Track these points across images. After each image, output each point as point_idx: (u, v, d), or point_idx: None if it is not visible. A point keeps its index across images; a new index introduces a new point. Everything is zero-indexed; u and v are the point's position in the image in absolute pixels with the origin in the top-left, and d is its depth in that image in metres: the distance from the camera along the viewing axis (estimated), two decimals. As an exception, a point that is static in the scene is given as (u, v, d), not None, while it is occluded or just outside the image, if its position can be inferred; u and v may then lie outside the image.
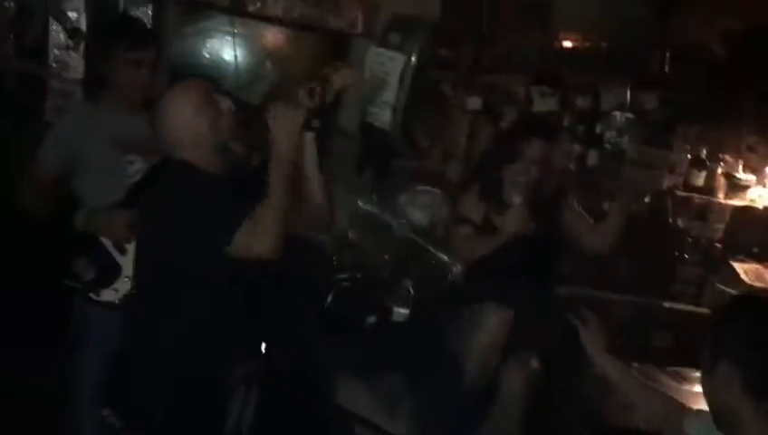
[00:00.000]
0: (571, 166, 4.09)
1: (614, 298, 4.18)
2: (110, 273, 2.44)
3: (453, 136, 3.96)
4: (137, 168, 2.49)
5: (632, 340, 4.04)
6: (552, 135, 3.03)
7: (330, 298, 3.45)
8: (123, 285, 2.44)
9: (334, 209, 2.37)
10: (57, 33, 3.56)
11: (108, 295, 2.45)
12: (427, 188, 3.44)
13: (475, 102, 3.97)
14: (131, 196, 2.42)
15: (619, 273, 4.28)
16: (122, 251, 2.44)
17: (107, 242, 2.44)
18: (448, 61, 3.69)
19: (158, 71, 2.64)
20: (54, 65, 3.58)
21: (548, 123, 3.76)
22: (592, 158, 4.14)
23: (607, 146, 4.16)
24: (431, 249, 3.41)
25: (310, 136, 2.18)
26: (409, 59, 3.42)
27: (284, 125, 1.99)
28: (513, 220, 2.71)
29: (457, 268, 3.31)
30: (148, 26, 3.25)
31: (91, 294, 2.46)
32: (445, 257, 3.37)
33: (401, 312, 3.12)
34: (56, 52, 3.58)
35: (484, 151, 3.07)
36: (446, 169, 3.94)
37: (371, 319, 3.18)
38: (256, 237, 1.91)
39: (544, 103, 3.93)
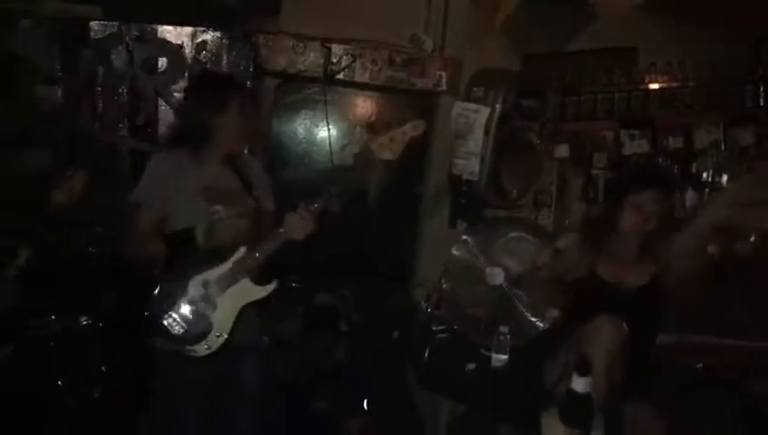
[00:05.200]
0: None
1: (728, 344, 3.98)
2: (201, 328, 2.48)
3: (542, 184, 3.98)
4: (219, 217, 2.55)
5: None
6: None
7: (427, 351, 3.47)
8: (215, 341, 2.49)
9: None
10: (166, 113, 3.88)
11: (202, 351, 2.48)
12: (521, 234, 3.43)
13: (562, 150, 3.98)
14: (216, 250, 2.50)
15: (732, 317, 4.08)
16: (213, 306, 2.49)
17: (197, 297, 2.48)
18: (533, 110, 3.73)
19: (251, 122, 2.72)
20: (163, 141, 3.89)
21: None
22: (691, 198, 4.03)
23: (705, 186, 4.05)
24: (521, 306, 3.39)
25: None
26: (493, 110, 3.50)
27: None
28: None
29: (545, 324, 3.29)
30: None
31: (183, 351, 2.49)
32: (531, 317, 3.35)
33: (500, 358, 3.10)
34: (164, 129, 3.90)
35: None
36: (538, 217, 3.94)
37: (470, 366, 3.17)
38: None
39: (635, 146, 3.89)
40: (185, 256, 2.51)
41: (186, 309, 2.48)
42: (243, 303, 2.52)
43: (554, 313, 3.26)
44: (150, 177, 2.62)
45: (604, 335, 2.56)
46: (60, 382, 3.16)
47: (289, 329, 3.68)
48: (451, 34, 3.94)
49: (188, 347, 2.48)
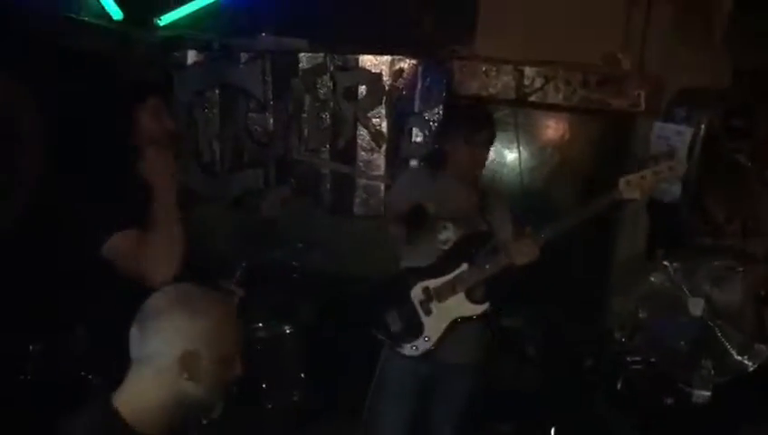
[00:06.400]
0: None
1: None
2: (413, 330, 2.64)
3: (753, 210, 3.67)
4: (448, 234, 2.68)
5: None
6: None
7: (620, 381, 3.33)
8: (423, 344, 2.63)
9: None
10: (364, 138, 4.10)
11: (408, 350, 2.65)
12: (728, 263, 3.19)
13: (777, 174, 3.66)
14: (441, 262, 2.66)
15: None
16: (428, 312, 2.65)
17: (416, 301, 2.65)
18: (743, 130, 3.47)
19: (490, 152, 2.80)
20: (361, 165, 4.11)
21: None
22: None
23: None
24: (725, 340, 3.14)
25: None
26: (698, 131, 3.31)
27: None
28: None
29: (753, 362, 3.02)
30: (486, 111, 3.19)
31: (394, 346, 2.68)
32: (736, 354, 3.08)
33: (702, 394, 2.89)
34: (363, 154, 4.12)
35: None
36: (746, 246, 3.63)
37: (668, 401, 2.99)
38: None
39: None
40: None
41: (405, 309, 2.66)
42: (455, 316, 2.65)
43: (764, 350, 2.99)
44: (397, 183, 2.95)
45: None
46: (263, 385, 3.42)
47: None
48: (651, 52, 3.79)
49: (399, 344, 2.66)
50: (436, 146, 2.89)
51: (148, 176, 2.16)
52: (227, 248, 3.74)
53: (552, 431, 3.52)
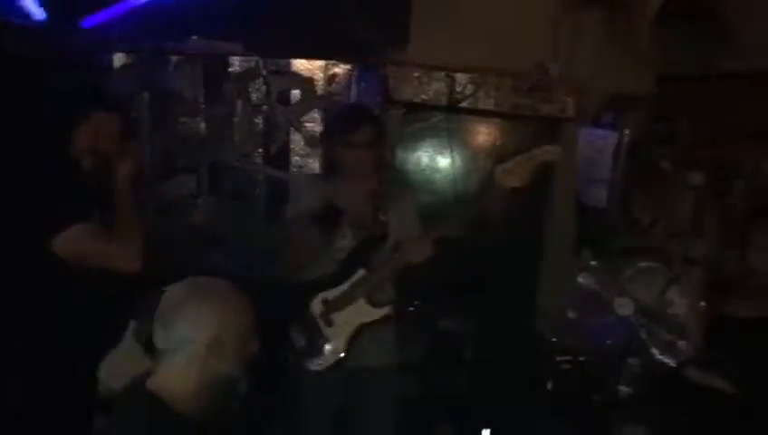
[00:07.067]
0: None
1: None
2: (318, 344, 2.61)
3: (675, 213, 3.81)
4: (345, 242, 2.66)
5: None
6: None
7: (550, 381, 3.40)
8: (329, 356, 2.60)
9: None
10: (298, 143, 4.07)
11: (316, 365, 2.61)
12: (651, 264, 3.31)
13: (696, 178, 3.81)
14: (339, 271, 2.63)
15: None
16: (329, 323, 2.61)
17: (316, 314, 2.62)
18: (666, 135, 3.61)
19: (379, 152, 2.76)
20: (295, 170, 4.08)
21: None
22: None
23: None
24: (649, 340, 3.25)
25: None
26: (623, 136, 3.42)
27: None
28: None
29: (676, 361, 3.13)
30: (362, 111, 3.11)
31: (303, 363, 2.64)
32: (659, 354, 3.19)
33: (627, 391, 2.98)
34: (297, 159, 4.09)
35: None
36: (669, 247, 3.77)
37: (596, 398, 3.08)
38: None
39: (778, 173, 3.67)
40: None
41: (305, 324, 2.62)
42: (357, 323, 2.62)
43: (685, 347, 3.11)
44: (300, 194, 2.84)
45: None
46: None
47: (411, 353, 3.72)
48: (578, 60, 3.89)
49: (307, 360, 2.62)
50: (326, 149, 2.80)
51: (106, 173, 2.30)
52: (161, 256, 3.65)
53: (487, 434, 3.57)
